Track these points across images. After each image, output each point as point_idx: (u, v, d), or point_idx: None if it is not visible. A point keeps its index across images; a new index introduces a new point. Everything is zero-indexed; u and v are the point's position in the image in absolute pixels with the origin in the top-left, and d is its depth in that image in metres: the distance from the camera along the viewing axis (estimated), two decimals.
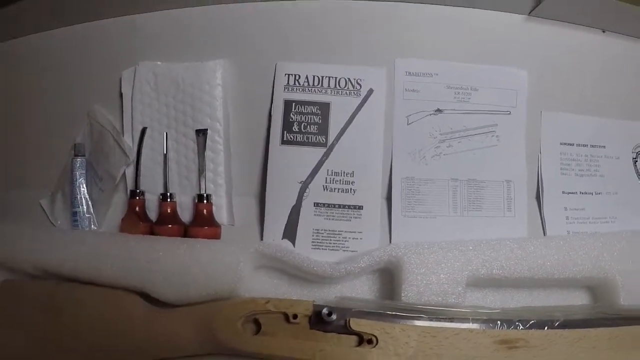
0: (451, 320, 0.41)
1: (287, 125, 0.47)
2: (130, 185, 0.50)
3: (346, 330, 0.39)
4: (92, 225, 0.51)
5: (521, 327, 0.40)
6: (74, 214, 0.51)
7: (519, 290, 0.45)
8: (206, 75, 0.48)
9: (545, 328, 0.40)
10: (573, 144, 0.50)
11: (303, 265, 0.41)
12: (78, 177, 0.51)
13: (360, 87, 0.47)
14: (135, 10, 0.50)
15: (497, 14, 0.48)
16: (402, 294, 0.41)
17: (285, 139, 0.47)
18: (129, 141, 0.50)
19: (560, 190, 0.49)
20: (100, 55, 0.51)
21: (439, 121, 0.48)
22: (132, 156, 0.49)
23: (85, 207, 0.51)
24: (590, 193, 0.49)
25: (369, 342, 0.39)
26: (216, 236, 0.46)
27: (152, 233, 0.47)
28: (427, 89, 0.48)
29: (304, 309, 0.41)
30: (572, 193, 0.49)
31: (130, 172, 0.50)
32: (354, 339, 0.40)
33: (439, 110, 0.48)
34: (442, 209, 0.47)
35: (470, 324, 0.41)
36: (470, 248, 0.42)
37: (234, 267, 0.42)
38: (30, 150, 0.54)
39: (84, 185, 0.51)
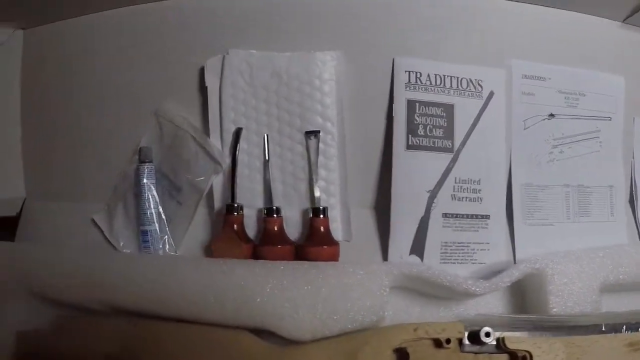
0: (587, 328, 0.41)
1: (411, 128, 0.42)
2: (220, 197, 0.41)
3: (499, 349, 0.37)
4: (168, 247, 0.42)
5: None
6: (144, 233, 0.41)
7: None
8: (316, 68, 0.41)
9: None
10: None
11: (454, 285, 0.38)
12: (147, 187, 0.41)
13: (482, 88, 0.44)
14: None
15: (594, 19, 0.49)
16: (550, 306, 0.39)
17: (410, 143, 0.42)
18: (217, 144, 0.42)
19: None
20: (173, 41, 0.42)
21: (552, 126, 0.47)
22: (225, 163, 0.41)
23: (158, 224, 0.41)
24: None
25: (523, 359, 0.38)
26: (335, 256, 0.40)
27: (255, 256, 0.40)
28: (541, 93, 0.46)
29: (457, 332, 0.37)
30: None
31: (219, 181, 0.42)
32: (504, 357, 0.38)
33: (552, 115, 0.47)
34: (557, 216, 0.46)
35: (603, 329, 0.41)
36: (601, 255, 0.42)
37: (379, 293, 0.36)
38: (79, 155, 0.44)
39: (156, 198, 0.42)
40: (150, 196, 0.41)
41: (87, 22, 0.45)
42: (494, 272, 0.44)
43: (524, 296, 0.43)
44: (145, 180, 0.41)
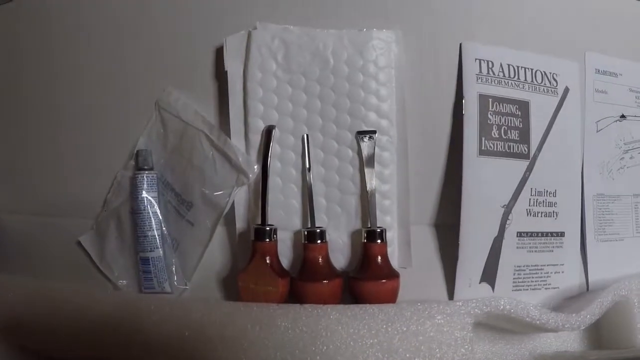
0: None
1: (484, 130, 0.35)
2: (243, 215, 0.32)
3: None
4: (176, 280, 0.32)
5: None
6: (144, 261, 0.31)
7: None
8: (372, 50, 0.32)
9: None
10: None
11: (544, 323, 0.31)
12: (147, 202, 0.31)
13: (557, 83, 0.37)
14: None
15: None
16: (639, 337, 0.34)
17: (483, 147, 0.35)
18: (241, 147, 0.32)
19: None
20: (182, 13, 0.32)
21: (623, 129, 0.41)
22: (253, 172, 0.32)
23: (162, 250, 0.31)
24: None
25: None
26: (396, 291, 0.32)
27: (293, 293, 0.31)
28: (614, 91, 0.40)
29: None
30: None
31: (242, 195, 0.32)
32: None
33: (623, 117, 0.41)
34: (627, 230, 0.41)
35: None
36: None
37: (464, 341, 0.29)
38: (59, 159, 0.33)
39: (159, 216, 0.31)
40: (151, 213, 0.31)
41: None
42: (566, 297, 0.38)
43: (602, 327, 0.37)
44: (144, 193, 0.31)
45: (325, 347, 0.27)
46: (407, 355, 0.28)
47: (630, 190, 0.42)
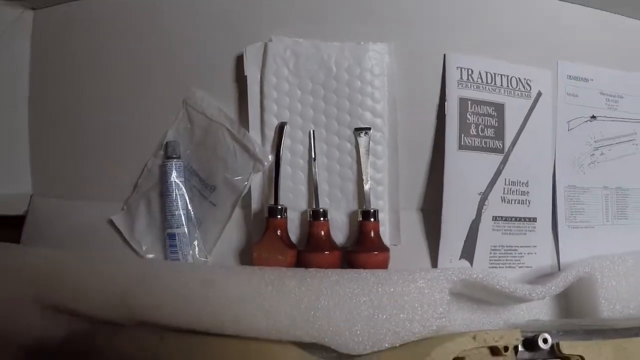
0: (632, 330, 0.41)
1: (463, 128, 0.40)
2: (258, 197, 0.38)
3: (553, 355, 0.36)
4: (198, 252, 0.38)
5: None
6: (171, 236, 0.38)
7: None
8: (368, 60, 0.38)
9: None
10: None
11: (512, 291, 0.36)
12: (175, 186, 0.38)
13: (530, 88, 0.43)
14: None
15: (633, 21, 0.49)
16: (601, 309, 0.39)
17: (462, 143, 0.40)
18: (258, 140, 0.38)
19: None
20: (207, 24, 0.38)
21: (593, 128, 0.46)
22: (267, 160, 0.38)
23: (187, 227, 0.38)
24: None
25: None
26: (386, 262, 0.38)
27: (299, 263, 0.37)
28: (584, 94, 0.46)
29: (514, 339, 0.36)
30: None
31: (257, 181, 0.38)
32: None
33: (593, 117, 0.47)
34: (598, 218, 0.46)
35: None
36: None
37: (440, 301, 0.34)
38: (94, 149, 0.39)
39: (185, 198, 0.38)
40: (178, 196, 0.37)
41: (105, 2, 0.40)
42: (539, 276, 0.43)
43: (569, 299, 0.42)
44: (172, 178, 0.37)
45: (326, 303, 0.33)
46: (394, 311, 0.33)
47: (601, 183, 0.47)
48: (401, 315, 0.33)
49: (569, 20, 0.45)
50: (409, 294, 0.34)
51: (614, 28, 0.47)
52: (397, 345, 0.34)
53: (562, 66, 0.45)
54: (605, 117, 0.47)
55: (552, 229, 0.44)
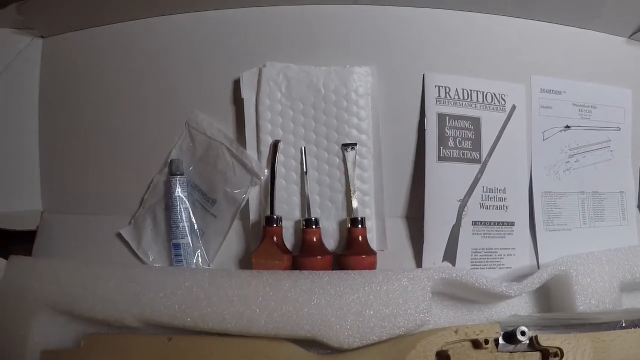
0: (609, 324, 0.43)
1: (442, 141, 0.44)
2: (256, 209, 0.42)
3: (532, 347, 0.39)
4: (201, 261, 0.42)
5: None
6: (176, 246, 0.42)
7: None
8: (353, 82, 0.43)
9: None
10: None
11: (490, 288, 0.39)
12: (179, 200, 0.42)
13: (505, 102, 0.47)
14: (260, 2, 0.42)
15: (603, 35, 0.52)
16: (577, 304, 0.41)
17: (441, 155, 0.44)
18: (254, 156, 0.42)
19: None
20: (206, 52, 0.43)
21: (568, 137, 0.50)
22: (264, 175, 0.42)
23: (190, 238, 0.41)
24: None
25: (554, 355, 0.40)
26: (374, 265, 0.41)
27: (294, 267, 0.41)
28: (558, 106, 0.49)
29: (494, 332, 0.39)
30: None
31: (255, 193, 0.42)
32: (537, 355, 0.40)
33: (567, 127, 0.50)
34: (574, 221, 0.49)
35: (624, 324, 0.44)
36: (619, 255, 0.45)
37: (423, 297, 0.38)
38: (101, 167, 0.43)
39: (189, 210, 0.41)
40: (182, 209, 0.41)
41: (111, 31, 0.45)
42: (519, 276, 0.46)
43: (549, 297, 0.45)
44: (177, 193, 0.41)
45: (318, 301, 0.36)
46: (380, 307, 0.37)
47: (577, 188, 0.50)
48: (386, 311, 0.37)
49: (540, 37, 0.49)
50: (393, 291, 0.38)
51: (584, 43, 0.51)
52: (384, 338, 0.37)
53: (536, 80, 0.49)
54: (579, 126, 0.51)
55: (531, 232, 0.48)
